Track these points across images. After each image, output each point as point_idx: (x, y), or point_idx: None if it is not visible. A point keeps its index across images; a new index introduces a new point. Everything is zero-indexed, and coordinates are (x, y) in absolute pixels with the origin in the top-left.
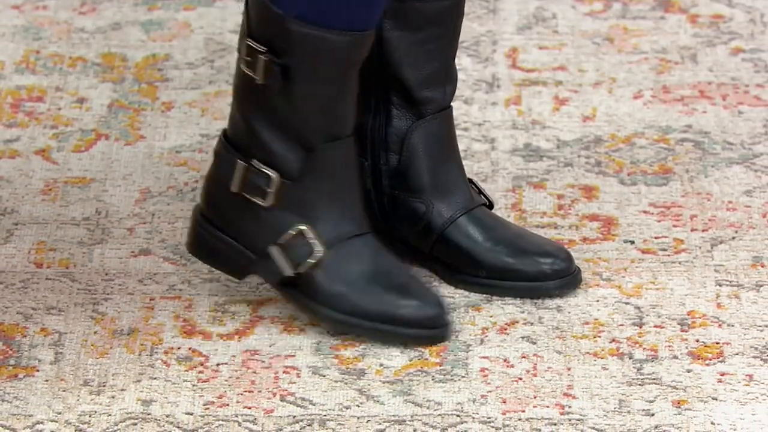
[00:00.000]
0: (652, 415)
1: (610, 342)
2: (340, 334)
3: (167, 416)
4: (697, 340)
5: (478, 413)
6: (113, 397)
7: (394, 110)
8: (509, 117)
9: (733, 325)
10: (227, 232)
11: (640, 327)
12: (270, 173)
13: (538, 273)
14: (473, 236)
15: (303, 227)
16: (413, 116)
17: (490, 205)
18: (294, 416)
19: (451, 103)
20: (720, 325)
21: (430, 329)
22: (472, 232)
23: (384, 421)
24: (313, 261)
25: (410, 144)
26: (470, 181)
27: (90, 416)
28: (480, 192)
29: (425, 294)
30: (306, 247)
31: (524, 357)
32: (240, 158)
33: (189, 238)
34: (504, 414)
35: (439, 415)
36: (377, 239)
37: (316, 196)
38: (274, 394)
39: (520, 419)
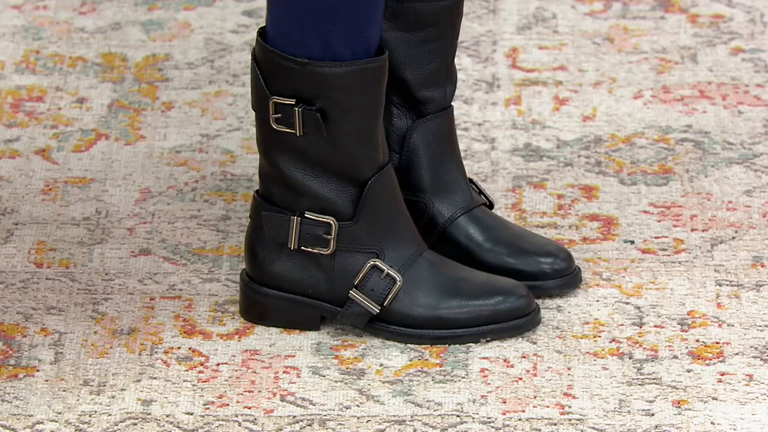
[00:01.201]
0: (652, 415)
1: (610, 342)
2: (340, 335)
3: (167, 416)
4: (697, 340)
5: (478, 413)
6: (113, 397)
7: (394, 110)
8: (509, 117)
9: (733, 325)
10: (290, 290)
11: (640, 327)
12: (328, 220)
13: (538, 272)
14: (473, 236)
15: (375, 262)
16: (413, 116)
17: (490, 205)
18: (294, 416)
19: (452, 103)
20: (720, 325)
21: (524, 317)
22: (472, 231)
23: (384, 421)
24: (396, 290)
25: (410, 143)
26: (470, 180)
27: (90, 416)
28: (480, 192)
29: (506, 285)
30: (384, 280)
31: (524, 357)
32: (292, 215)
33: (243, 307)
34: (504, 414)
35: (439, 415)
36: (432, 252)
37: (376, 228)
38: (274, 394)
39: (520, 419)
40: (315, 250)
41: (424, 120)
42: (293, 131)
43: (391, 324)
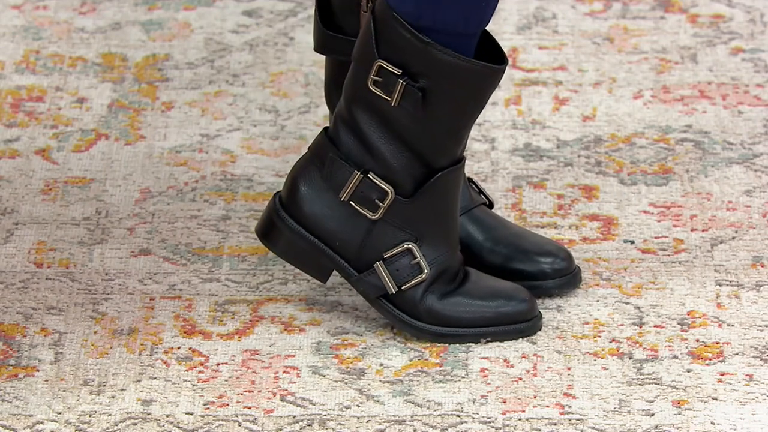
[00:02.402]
0: (652, 415)
1: (610, 342)
2: (340, 334)
3: (167, 416)
4: (697, 340)
5: (478, 413)
6: (113, 397)
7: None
8: (509, 117)
9: (733, 325)
10: (319, 236)
11: (640, 327)
12: (386, 188)
13: (538, 273)
14: (473, 236)
15: (411, 246)
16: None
17: (490, 205)
18: (294, 416)
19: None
20: (720, 325)
21: (525, 322)
22: (472, 231)
23: (384, 421)
24: (419, 281)
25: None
26: (470, 180)
27: (90, 416)
28: (480, 192)
29: (509, 289)
30: (413, 266)
31: (524, 357)
32: (356, 169)
33: (262, 227)
34: (504, 414)
35: (439, 415)
36: (468, 268)
37: (428, 216)
38: (274, 394)
39: (520, 419)
40: (362, 210)
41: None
42: (389, 99)
43: (396, 308)
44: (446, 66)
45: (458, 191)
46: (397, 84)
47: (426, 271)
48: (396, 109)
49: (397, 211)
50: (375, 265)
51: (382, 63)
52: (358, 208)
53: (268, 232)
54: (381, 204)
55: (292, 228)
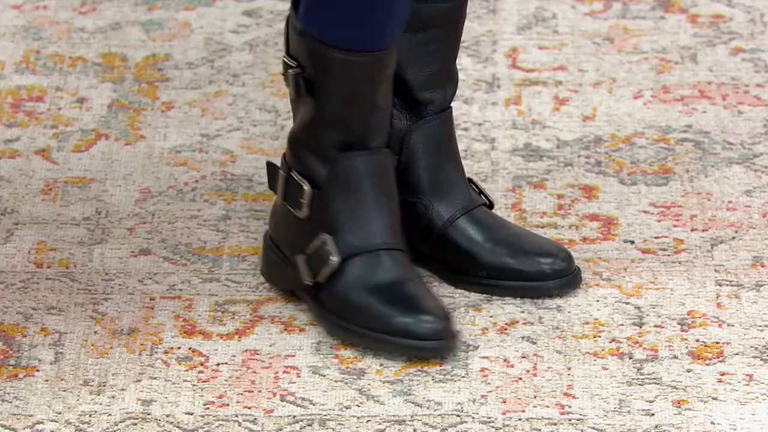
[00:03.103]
0: (652, 415)
1: (610, 342)
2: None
3: (167, 416)
4: (697, 340)
5: (478, 413)
6: (113, 397)
7: (394, 111)
8: (509, 117)
9: (733, 325)
10: (282, 249)
11: (640, 327)
12: (302, 184)
13: (538, 273)
14: (473, 236)
15: (324, 236)
16: (413, 117)
17: (490, 205)
18: (294, 416)
19: (452, 104)
20: (720, 325)
21: (425, 341)
22: (472, 232)
23: (384, 421)
24: (329, 271)
25: (409, 145)
26: (470, 180)
27: (90, 416)
28: (480, 192)
29: (430, 308)
30: (325, 256)
31: (524, 357)
32: (281, 169)
33: (261, 265)
34: (504, 414)
35: (439, 415)
36: (400, 254)
37: (338, 206)
38: (274, 394)
39: (520, 419)
40: (294, 211)
41: (424, 121)
42: (289, 91)
43: (317, 303)
44: (317, 56)
45: (378, 183)
46: (288, 76)
47: (334, 260)
48: (299, 102)
49: (315, 205)
50: (296, 257)
51: (285, 58)
52: (290, 209)
53: (263, 267)
54: (303, 201)
55: (268, 246)
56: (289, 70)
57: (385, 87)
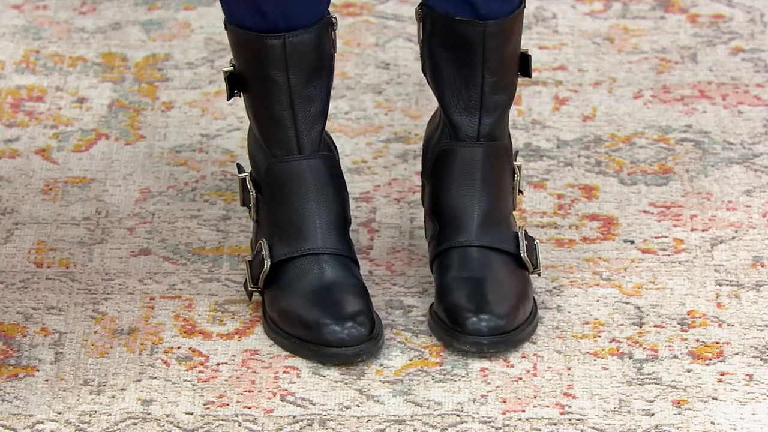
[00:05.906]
0: (652, 415)
1: (610, 342)
2: None
3: (167, 416)
4: (697, 340)
5: (478, 413)
6: (113, 397)
7: (445, 129)
8: (509, 117)
9: (733, 325)
10: None
11: (640, 327)
12: (251, 189)
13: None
14: (443, 272)
15: (262, 242)
16: (452, 138)
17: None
18: (294, 416)
19: (492, 142)
20: (720, 325)
21: (342, 347)
22: (446, 268)
23: (384, 421)
24: (264, 276)
25: (435, 164)
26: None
27: (90, 416)
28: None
29: (350, 314)
30: (262, 262)
31: (524, 357)
32: (240, 175)
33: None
34: (504, 414)
35: (439, 415)
36: (333, 258)
37: (273, 210)
38: (274, 394)
39: (520, 419)
40: (249, 216)
41: (453, 144)
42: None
43: (262, 310)
44: (242, 44)
45: (311, 189)
46: (223, 73)
47: (266, 264)
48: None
49: (260, 210)
50: (244, 262)
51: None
52: (248, 216)
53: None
54: (251, 204)
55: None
56: (224, 70)
57: (311, 78)
